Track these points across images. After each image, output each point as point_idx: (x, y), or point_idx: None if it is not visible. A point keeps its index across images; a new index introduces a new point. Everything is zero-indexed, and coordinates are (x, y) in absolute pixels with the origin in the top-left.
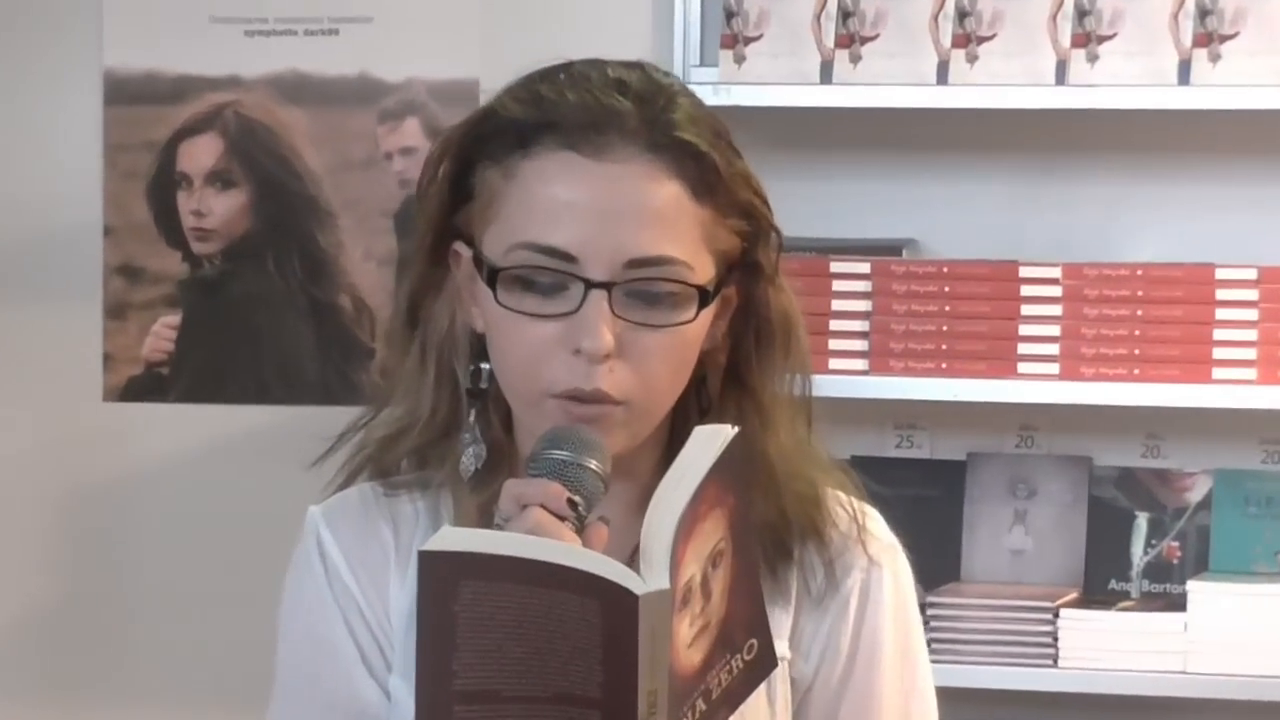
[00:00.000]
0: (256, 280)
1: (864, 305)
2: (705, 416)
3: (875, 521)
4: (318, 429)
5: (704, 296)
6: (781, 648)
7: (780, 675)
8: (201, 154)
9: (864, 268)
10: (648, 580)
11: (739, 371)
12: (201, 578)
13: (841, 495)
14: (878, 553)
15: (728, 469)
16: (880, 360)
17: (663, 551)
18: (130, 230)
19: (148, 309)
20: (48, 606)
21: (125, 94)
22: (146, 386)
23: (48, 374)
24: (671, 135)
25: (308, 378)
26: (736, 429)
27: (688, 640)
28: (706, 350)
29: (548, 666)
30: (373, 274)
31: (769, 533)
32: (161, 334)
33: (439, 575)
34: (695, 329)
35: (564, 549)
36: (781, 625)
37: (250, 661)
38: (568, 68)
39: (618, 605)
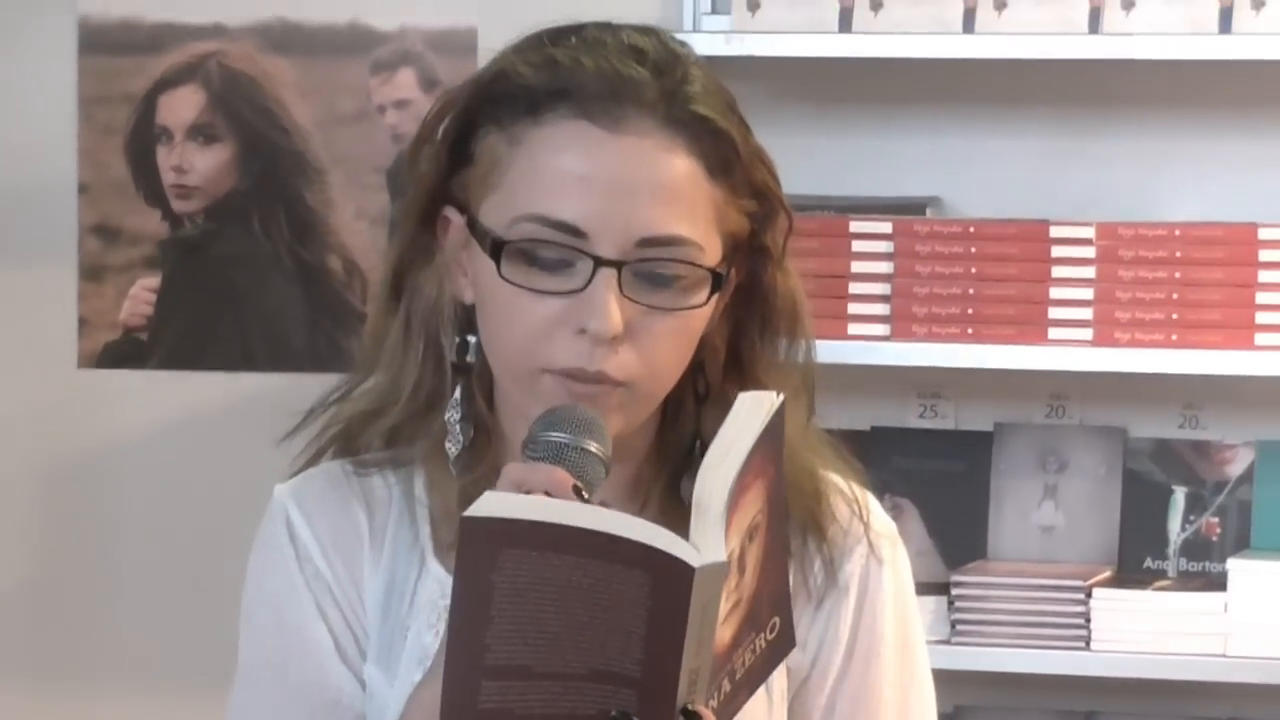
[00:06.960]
0: (241, 240)
1: (885, 267)
2: (702, 402)
3: (874, 511)
4: (306, 398)
5: (716, 280)
6: None
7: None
8: (182, 107)
9: (885, 227)
10: (703, 552)
11: (740, 358)
12: (181, 554)
13: (841, 483)
14: (876, 542)
15: (772, 439)
16: (902, 325)
17: (717, 522)
18: (107, 188)
19: (125, 271)
20: (19, 583)
21: (101, 43)
22: (124, 353)
23: (19, 340)
24: (689, 110)
25: (295, 344)
26: (783, 396)
27: (723, 617)
28: (704, 333)
29: (583, 642)
30: (364, 234)
31: None
32: (140, 297)
33: (479, 542)
34: (703, 313)
35: (617, 517)
36: None
37: (231, 640)
38: (579, 30)
39: (670, 578)
